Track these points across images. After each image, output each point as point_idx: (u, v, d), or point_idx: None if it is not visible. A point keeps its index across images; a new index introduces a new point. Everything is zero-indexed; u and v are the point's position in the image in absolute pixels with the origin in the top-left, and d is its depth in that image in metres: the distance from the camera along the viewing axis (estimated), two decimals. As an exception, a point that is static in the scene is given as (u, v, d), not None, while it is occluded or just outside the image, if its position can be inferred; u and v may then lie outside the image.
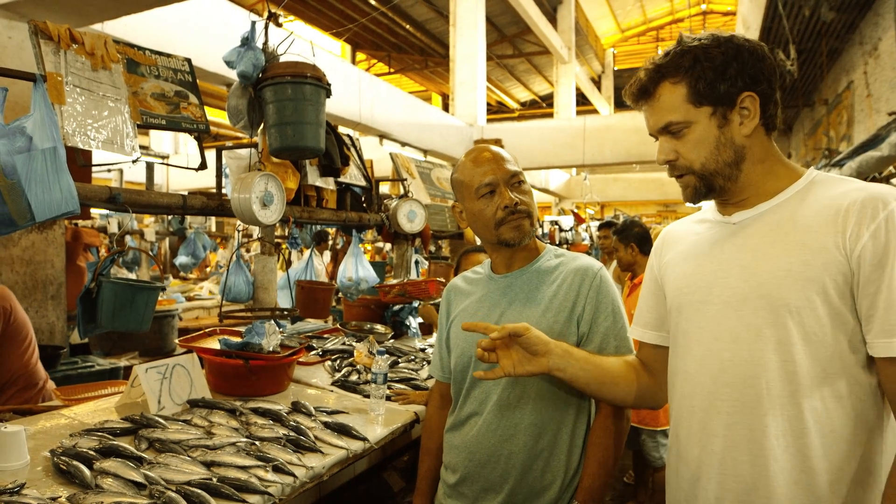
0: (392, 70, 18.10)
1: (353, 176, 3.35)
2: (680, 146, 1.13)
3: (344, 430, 1.94)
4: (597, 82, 21.10)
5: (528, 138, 10.86)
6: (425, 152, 9.36)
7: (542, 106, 22.35)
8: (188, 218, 6.90)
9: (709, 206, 1.26)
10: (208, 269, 8.37)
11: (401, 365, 2.84)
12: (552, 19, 15.12)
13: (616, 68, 21.86)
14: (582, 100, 18.46)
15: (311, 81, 2.50)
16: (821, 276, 1.01)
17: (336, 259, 6.71)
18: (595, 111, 19.91)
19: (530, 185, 1.51)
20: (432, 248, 5.64)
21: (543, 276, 1.47)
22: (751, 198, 1.14)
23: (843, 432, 1.02)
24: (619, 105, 21.62)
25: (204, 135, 2.36)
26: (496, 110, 22.23)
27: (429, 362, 2.96)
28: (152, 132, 12.64)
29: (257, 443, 1.74)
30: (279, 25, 2.69)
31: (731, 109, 1.10)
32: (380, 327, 3.43)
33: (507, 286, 1.50)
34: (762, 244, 1.08)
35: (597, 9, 18.31)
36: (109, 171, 6.35)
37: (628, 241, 3.74)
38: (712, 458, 1.10)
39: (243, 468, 1.58)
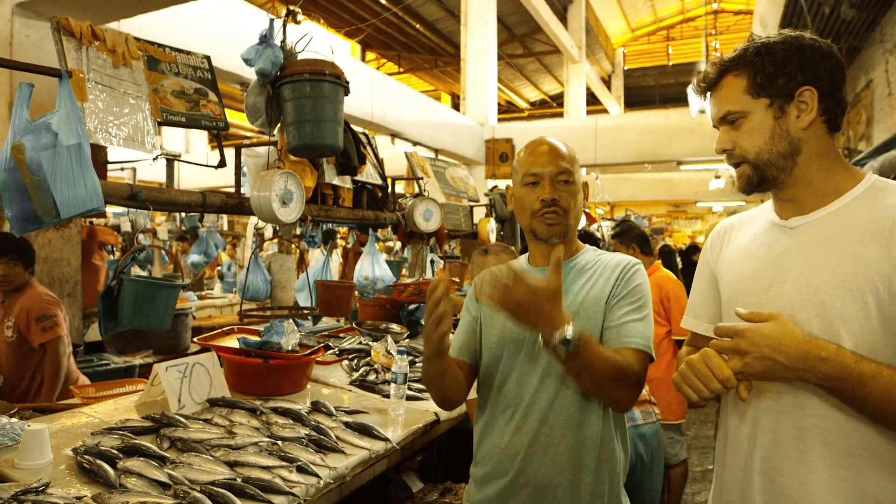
0: (402, 70, 18.07)
1: (368, 174, 3.34)
2: (737, 136, 1.17)
3: (365, 431, 1.92)
4: (607, 82, 20.99)
5: (539, 138, 10.79)
6: (437, 151, 9.33)
7: (551, 105, 22.26)
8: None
9: (765, 206, 1.27)
10: (220, 269, 8.37)
11: (418, 365, 2.82)
12: (562, 18, 15.04)
13: (626, 68, 21.74)
14: (592, 99, 18.37)
15: (330, 79, 2.48)
16: (875, 286, 1.01)
17: (347, 258, 6.69)
18: (605, 111, 19.80)
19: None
20: (446, 248, 5.62)
21: (582, 272, 1.46)
22: (807, 198, 1.14)
23: (892, 436, 1.02)
24: (629, 105, 21.53)
25: (223, 132, 2.35)
26: (505, 110, 22.15)
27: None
28: (164, 132, 12.69)
29: (279, 443, 1.73)
30: (297, 23, 2.68)
31: (788, 102, 1.12)
32: (395, 327, 3.41)
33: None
34: (817, 252, 1.09)
35: (607, 8, 18.22)
36: (123, 169, 6.36)
37: (629, 242, 3.72)
38: (761, 451, 1.13)
39: (267, 468, 1.57)
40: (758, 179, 1.16)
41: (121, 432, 1.70)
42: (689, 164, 10.81)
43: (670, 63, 21.55)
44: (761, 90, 1.13)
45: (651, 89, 22.56)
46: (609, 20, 19.09)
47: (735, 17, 19.51)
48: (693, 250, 7.77)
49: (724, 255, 1.28)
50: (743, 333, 1.02)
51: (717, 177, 13.34)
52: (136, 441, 1.62)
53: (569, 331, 1.15)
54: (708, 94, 1.22)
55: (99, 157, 1.89)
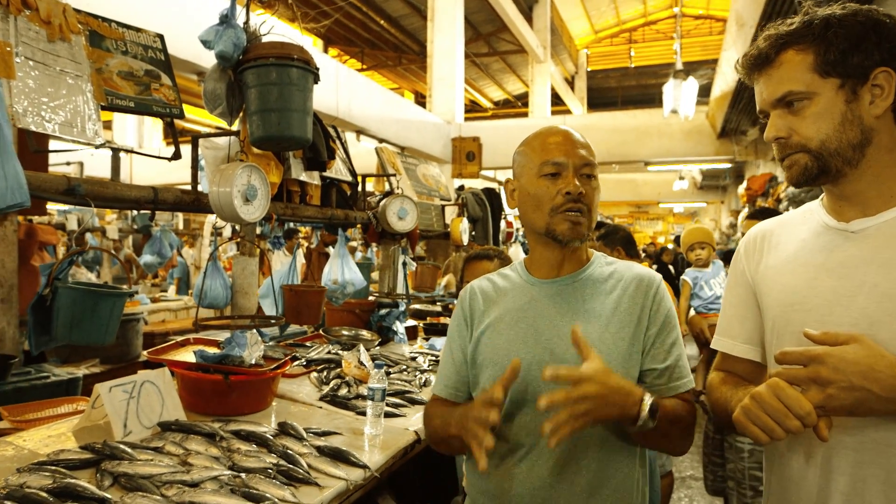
0: (365, 67, 17.76)
1: (338, 171, 3.11)
2: (796, 122, 0.99)
3: (340, 457, 1.70)
4: (570, 83, 21.11)
5: (506, 137, 10.65)
6: (403, 149, 9.12)
7: (515, 105, 22.25)
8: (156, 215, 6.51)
9: (809, 208, 1.10)
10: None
11: (392, 376, 2.61)
12: (528, 18, 15.01)
13: (589, 69, 21.93)
14: (555, 100, 18.41)
15: (299, 64, 2.26)
16: None
17: (311, 260, 6.42)
18: (569, 111, 19.89)
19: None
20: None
21: (598, 285, 1.26)
22: (874, 198, 0.98)
23: None
24: (592, 106, 21.71)
25: (178, 120, 2.10)
26: (469, 109, 22.00)
27: (422, 372, 2.73)
28: (115, 124, 12.12)
29: (242, 475, 1.50)
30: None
31: (862, 85, 0.95)
32: (365, 333, 3.19)
33: (555, 293, 1.27)
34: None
35: (571, 9, 18.29)
36: (69, 164, 5.94)
37: (614, 244, 3.61)
38: (839, 498, 0.96)
39: (229, 510, 1.34)
40: (818, 171, 0.99)
41: (53, 468, 1.44)
42: (656, 164, 10.86)
43: (632, 65, 21.80)
44: (832, 68, 0.95)
45: (613, 91, 22.78)
46: (573, 21, 19.19)
47: (695, 21, 19.84)
48: (662, 252, 7.71)
49: (766, 264, 1.11)
50: (823, 359, 0.84)
51: (681, 178, 13.49)
52: (71, 480, 1.37)
53: (647, 398, 1.05)
54: (758, 71, 1.03)
55: (29, 144, 1.63)
